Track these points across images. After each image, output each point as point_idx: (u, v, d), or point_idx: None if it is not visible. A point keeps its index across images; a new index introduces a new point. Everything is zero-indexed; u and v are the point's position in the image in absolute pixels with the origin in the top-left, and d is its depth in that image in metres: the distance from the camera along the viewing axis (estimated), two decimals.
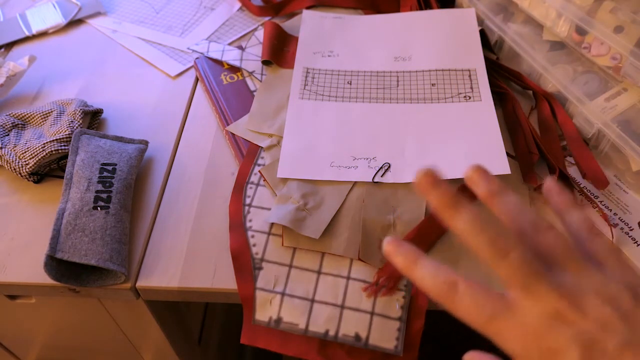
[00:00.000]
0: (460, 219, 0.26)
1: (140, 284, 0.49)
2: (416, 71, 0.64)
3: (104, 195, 0.51)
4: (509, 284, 0.26)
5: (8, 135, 0.59)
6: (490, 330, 0.25)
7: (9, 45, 0.78)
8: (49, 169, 0.58)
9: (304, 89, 0.63)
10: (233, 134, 0.60)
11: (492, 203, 0.28)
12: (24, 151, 0.56)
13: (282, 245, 0.50)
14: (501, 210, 0.28)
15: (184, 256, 0.51)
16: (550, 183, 0.30)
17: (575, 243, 0.27)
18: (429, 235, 0.49)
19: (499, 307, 0.25)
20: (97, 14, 0.82)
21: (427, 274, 0.26)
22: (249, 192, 0.55)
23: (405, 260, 0.27)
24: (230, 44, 0.74)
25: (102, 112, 0.64)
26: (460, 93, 0.61)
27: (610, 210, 0.51)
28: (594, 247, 0.27)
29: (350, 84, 0.64)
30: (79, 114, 0.59)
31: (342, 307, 0.47)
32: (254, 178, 0.56)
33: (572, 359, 0.23)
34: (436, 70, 0.64)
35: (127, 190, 0.53)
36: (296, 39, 0.70)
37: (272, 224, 0.52)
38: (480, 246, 0.26)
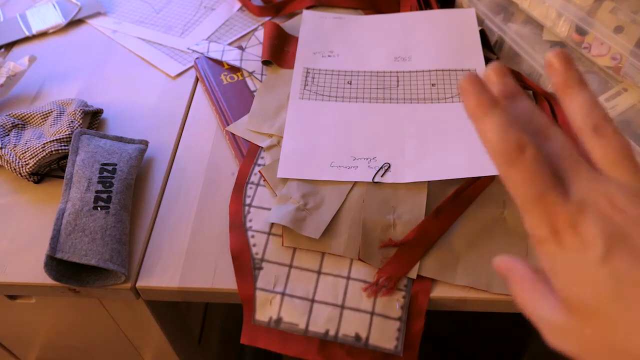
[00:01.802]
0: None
1: (140, 284, 0.49)
2: (416, 71, 0.64)
3: (104, 196, 0.51)
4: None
5: (8, 135, 0.59)
6: (527, 206, 0.23)
7: (9, 45, 0.78)
8: (49, 169, 0.58)
9: (304, 89, 0.63)
10: (233, 134, 0.60)
11: (565, 94, 0.26)
12: (24, 151, 0.56)
13: (282, 245, 0.50)
14: (569, 108, 0.26)
15: (184, 256, 0.51)
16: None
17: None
18: (429, 235, 0.49)
19: (551, 190, 0.23)
20: (97, 14, 0.82)
21: (497, 126, 0.24)
22: (249, 192, 0.55)
23: (478, 104, 0.25)
24: (230, 44, 0.74)
25: (102, 112, 0.64)
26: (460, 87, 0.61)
27: None
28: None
29: (350, 84, 0.64)
30: (79, 114, 0.59)
31: (342, 307, 0.47)
32: (254, 178, 0.56)
33: (595, 250, 0.21)
34: (436, 70, 0.64)
35: (127, 190, 0.53)
36: (296, 39, 0.70)
37: (272, 224, 0.52)
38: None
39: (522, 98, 0.26)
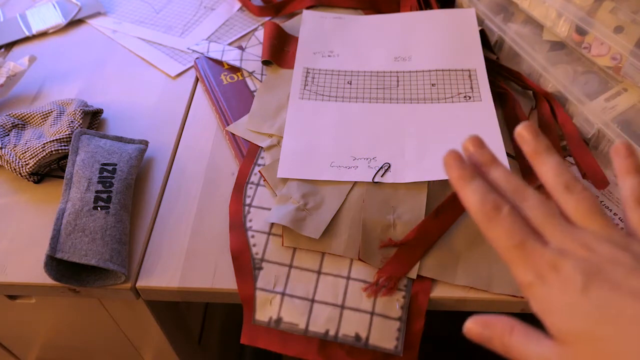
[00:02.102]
0: (544, 163, 0.29)
1: (140, 284, 0.49)
2: (416, 71, 0.64)
3: (104, 196, 0.51)
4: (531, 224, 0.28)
5: (8, 135, 0.59)
6: (512, 257, 0.26)
7: (9, 45, 0.78)
8: (49, 169, 0.58)
9: (304, 89, 0.63)
10: (233, 134, 0.60)
11: (537, 160, 0.30)
12: (24, 151, 0.56)
13: (282, 245, 0.50)
14: (541, 170, 0.30)
15: (184, 256, 0.51)
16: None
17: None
18: (429, 235, 0.49)
19: (529, 239, 0.26)
20: (97, 14, 0.82)
21: (477, 191, 0.28)
22: (249, 192, 0.55)
23: (459, 176, 0.29)
24: (230, 44, 0.74)
25: (102, 112, 0.64)
26: (460, 93, 0.61)
27: (610, 210, 0.51)
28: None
29: (350, 84, 0.64)
30: (79, 114, 0.59)
31: (342, 307, 0.47)
32: (254, 178, 0.56)
33: (575, 285, 0.24)
34: (436, 70, 0.64)
35: (127, 190, 0.53)
36: (296, 39, 0.70)
37: (272, 224, 0.52)
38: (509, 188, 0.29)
39: (498, 165, 0.30)
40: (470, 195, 0.28)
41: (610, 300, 0.24)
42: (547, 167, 0.29)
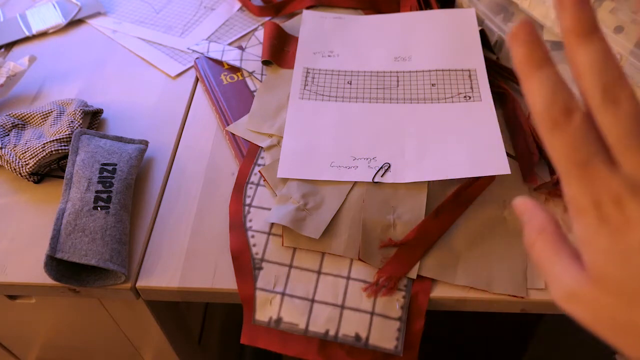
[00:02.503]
0: (590, 48, 0.22)
1: (140, 284, 0.49)
2: (416, 71, 0.64)
3: (104, 196, 0.51)
4: (608, 138, 0.21)
5: (8, 135, 0.59)
6: (570, 175, 0.22)
7: (9, 45, 0.78)
8: (49, 169, 0.58)
9: (304, 89, 0.63)
10: (233, 134, 0.60)
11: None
12: (24, 151, 0.56)
13: (282, 245, 0.50)
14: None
15: (184, 256, 0.51)
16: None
17: None
18: (429, 235, 0.49)
19: (596, 159, 0.21)
20: (97, 14, 0.82)
21: (546, 84, 0.22)
22: (249, 192, 0.55)
23: (528, 58, 0.22)
24: (230, 44, 0.74)
25: (102, 112, 0.64)
26: (460, 93, 0.61)
27: None
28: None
29: (350, 84, 0.64)
30: (79, 114, 0.59)
31: (342, 307, 0.47)
32: (254, 178, 0.56)
33: (636, 234, 0.20)
34: (436, 70, 0.64)
35: (127, 190, 0.53)
36: (296, 39, 0.70)
37: (272, 224, 0.52)
38: (594, 86, 0.22)
39: (598, 38, 0.22)
40: (538, 88, 0.22)
41: None
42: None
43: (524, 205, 0.26)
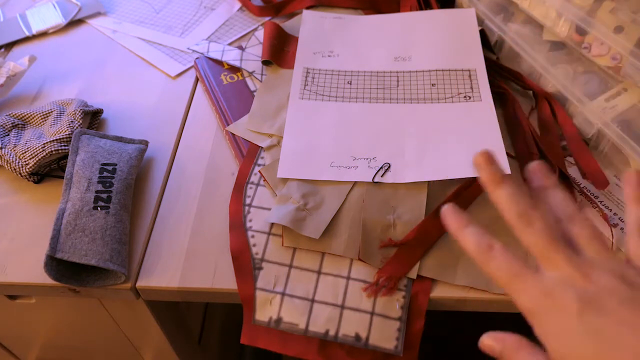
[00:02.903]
0: (500, 193, 0.31)
1: (140, 284, 0.49)
2: (416, 71, 0.64)
3: (104, 195, 0.51)
4: (532, 249, 0.30)
5: (8, 135, 0.59)
6: (512, 287, 0.29)
7: (9, 45, 0.78)
8: (49, 169, 0.58)
9: (304, 89, 0.63)
10: (233, 134, 0.60)
11: (543, 195, 0.33)
12: (24, 151, 0.56)
13: (282, 245, 0.50)
14: (549, 201, 0.33)
15: (184, 256, 0.51)
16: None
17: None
18: (429, 235, 0.49)
19: (524, 270, 0.29)
20: (97, 14, 0.82)
21: (472, 235, 0.31)
22: (249, 192, 0.55)
23: (456, 222, 0.32)
24: (230, 44, 0.74)
25: (102, 112, 0.64)
26: (460, 93, 0.61)
27: (610, 210, 0.51)
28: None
29: (350, 84, 0.64)
30: (79, 114, 0.59)
31: (342, 307, 0.47)
32: (254, 178, 0.56)
33: (571, 311, 0.26)
34: (436, 70, 0.64)
35: (127, 190, 0.53)
36: (296, 39, 0.70)
37: (272, 224, 0.52)
38: (511, 215, 0.31)
39: (505, 185, 0.32)
40: (467, 239, 0.32)
41: (601, 326, 0.26)
42: (554, 200, 0.32)
43: (493, 339, 0.31)
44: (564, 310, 0.27)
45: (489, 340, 0.31)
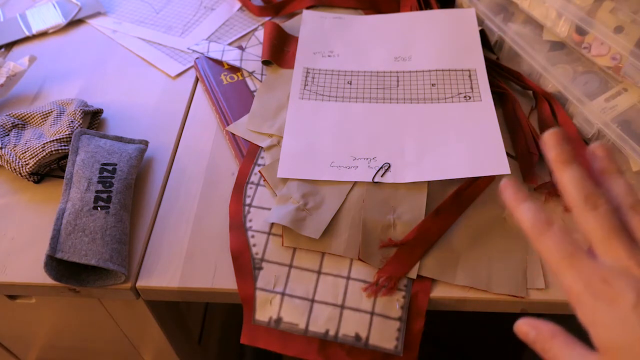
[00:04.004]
0: (567, 174, 0.30)
1: (140, 284, 0.49)
2: (416, 71, 0.64)
3: (104, 195, 0.51)
4: (591, 234, 0.29)
5: (8, 135, 0.59)
6: (563, 267, 0.28)
7: (9, 45, 0.78)
8: (49, 169, 0.58)
9: (304, 89, 0.63)
10: (233, 134, 0.60)
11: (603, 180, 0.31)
12: (24, 151, 0.56)
13: (282, 245, 0.50)
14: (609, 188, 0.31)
15: (184, 256, 0.51)
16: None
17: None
18: (429, 235, 0.49)
19: (580, 252, 0.28)
20: (97, 14, 0.82)
21: (529, 210, 0.30)
22: (249, 192, 0.55)
23: (515, 196, 0.31)
24: (230, 44, 0.74)
25: (102, 112, 0.64)
26: (460, 93, 0.61)
27: None
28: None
29: (351, 84, 0.64)
30: (79, 114, 0.59)
31: (342, 307, 0.47)
32: (254, 178, 0.56)
33: (627, 302, 0.26)
34: (436, 70, 0.64)
35: (127, 190, 0.53)
36: (296, 39, 0.70)
37: (272, 224, 0.52)
38: (576, 197, 0.29)
39: (576, 164, 0.31)
40: (523, 213, 0.30)
41: None
42: (616, 187, 0.31)
43: (529, 325, 0.31)
44: (619, 300, 0.26)
45: (524, 326, 0.30)
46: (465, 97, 0.60)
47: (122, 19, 0.81)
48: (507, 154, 0.54)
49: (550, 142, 0.31)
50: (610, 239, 0.28)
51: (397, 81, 0.63)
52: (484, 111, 0.59)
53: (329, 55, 0.67)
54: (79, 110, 0.60)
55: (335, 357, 0.46)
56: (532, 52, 0.62)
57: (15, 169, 0.56)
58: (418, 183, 0.53)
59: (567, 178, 0.30)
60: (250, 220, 0.52)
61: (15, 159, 0.56)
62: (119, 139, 0.58)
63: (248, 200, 0.54)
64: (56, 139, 0.56)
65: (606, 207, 0.28)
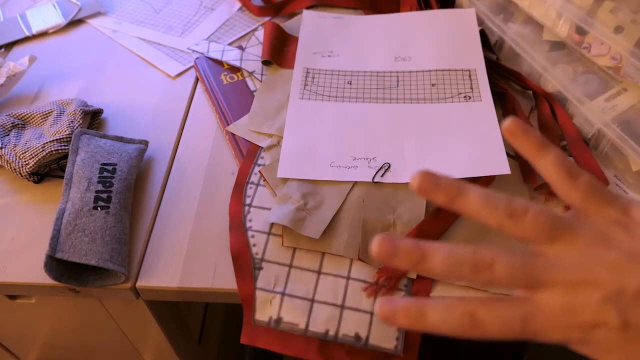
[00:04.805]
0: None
1: (140, 284, 0.49)
2: (416, 71, 0.64)
3: (104, 195, 0.51)
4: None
5: (8, 135, 0.59)
6: (529, 334, 0.25)
7: (9, 45, 0.78)
8: (49, 169, 0.58)
9: (304, 89, 0.63)
10: (233, 134, 0.60)
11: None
12: (24, 151, 0.56)
13: (282, 245, 0.50)
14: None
15: (184, 256, 0.51)
16: (511, 123, 0.29)
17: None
18: (429, 235, 0.49)
19: (525, 308, 0.25)
20: (97, 14, 0.82)
21: (441, 318, 0.25)
22: (249, 192, 0.55)
23: (409, 318, 0.25)
24: (230, 44, 0.74)
25: (102, 112, 0.64)
26: (460, 93, 0.61)
27: None
28: (576, 191, 0.28)
29: (350, 84, 0.64)
30: (79, 114, 0.59)
31: (342, 307, 0.47)
32: (254, 178, 0.56)
33: (611, 319, 0.24)
34: (436, 70, 0.64)
35: (127, 190, 0.53)
36: (296, 39, 0.70)
37: (272, 224, 0.52)
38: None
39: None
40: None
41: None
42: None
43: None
44: (602, 325, 0.25)
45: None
46: (465, 97, 0.60)
47: (122, 19, 0.81)
48: (507, 154, 0.54)
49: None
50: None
51: (397, 81, 0.63)
52: (484, 111, 0.59)
53: (329, 55, 0.67)
54: (79, 110, 0.60)
55: (335, 357, 0.46)
56: (532, 52, 0.62)
57: (15, 169, 0.56)
58: None
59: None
60: (250, 220, 0.52)
61: (15, 159, 0.56)
62: (119, 139, 0.58)
63: (248, 200, 0.54)
64: (56, 139, 0.56)
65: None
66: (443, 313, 0.25)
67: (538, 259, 0.26)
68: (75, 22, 0.81)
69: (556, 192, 0.28)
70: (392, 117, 0.59)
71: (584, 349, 0.26)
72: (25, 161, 0.56)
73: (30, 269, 0.50)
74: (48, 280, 0.49)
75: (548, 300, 0.25)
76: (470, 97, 0.60)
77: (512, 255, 0.25)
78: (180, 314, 0.67)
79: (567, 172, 0.28)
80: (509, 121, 0.28)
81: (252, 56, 0.70)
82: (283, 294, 0.47)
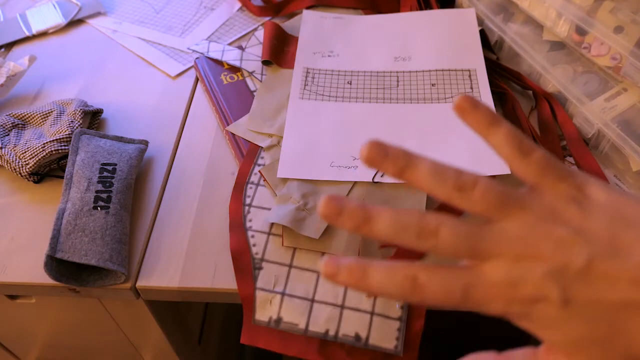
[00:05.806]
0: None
1: (140, 284, 0.49)
2: (416, 71, 0.64)
3: (104, 195, 0.51)
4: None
5: (8, 135, 0.59)
6: (470, 304, 0.25)
7: (9, 45, 0.78)
8: (49, 169, 0.58)
9: (304, 89, 0.63)
10: (233, 134, 0.60)
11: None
12: (24, 151, 0.56)
13: (282, 245, 0.50)
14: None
15: (184, 256, 0.51)
16: (460, 99, 0.28)
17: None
18: None
19: (468, 277, 0.24)
20: (97, 14, 0.82)
21: (383, 279, 0.25)
22: (249, 192, 0.55)
23: (351, 276, 0.25)
24: (230, 44, 0.74)
25: (102, 112, 0.64)
26: (460, 93, 0.61)
27: None
28: (529, 167, 0.27)
29: (350, 84, 0.64)
30: (79, 114, 0.59)
31: (342, 307, 0.47)
32: (254, 178, 0.56)
33: (552, 295, 0.23)
34: (436, 70, 0.64)
35: (127, 190, 0.53)
36: (296, 39, 0.70)
37: (272, 224, 0.52)
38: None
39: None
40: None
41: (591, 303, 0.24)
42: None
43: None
44: (542, 300, 0.24)
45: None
46: None
47: (122, 19, 0.81)
48: None
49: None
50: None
51: (397, 81, 0.63)
52: None
53: (329, 55, 0.67)
54: (79, 110, 0.60)
55: (335, 357, 0.46)
56: (532, 52, 0.62)
57: (15, 169, 0.56)
58: None
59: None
60: (250, 220, 0.52)
61: (15, 159, 0.56)
62: (119, 139, 0.58)
63: (248, 200, 0.54)
64: (56, 139, 0.56)
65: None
66: (385, 275, 0.24)
67: (485, 230, 0.25)
68: (75, 22, 0.81)
69: (510, 169, 0.28)
70: (392, 117, 0.59)
71: (525, 324, 0.25)
72: (25, 161, 0.56)
73: (30, 269, 0.50)
74: (48, 280, 0.49)
75: (491, 271, 0.24)
76: None
77: (458, 223, 0.25)
78: (180, 314, 0.67)
79: (519, 148, 0.27)
80: (458, 97, 0.28)
81: (252, 56, 0.70)
82: (283, 294, 0.47)
